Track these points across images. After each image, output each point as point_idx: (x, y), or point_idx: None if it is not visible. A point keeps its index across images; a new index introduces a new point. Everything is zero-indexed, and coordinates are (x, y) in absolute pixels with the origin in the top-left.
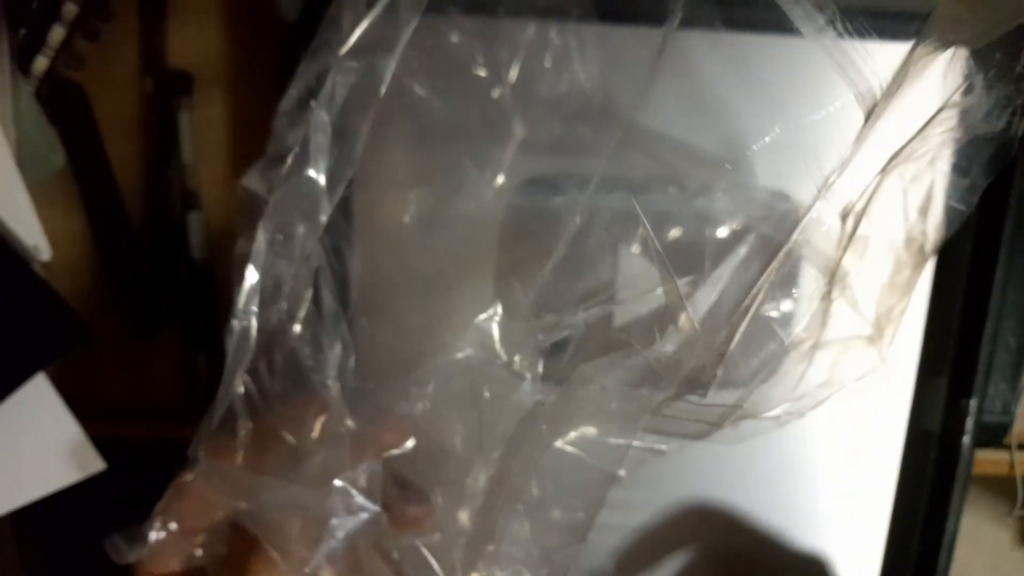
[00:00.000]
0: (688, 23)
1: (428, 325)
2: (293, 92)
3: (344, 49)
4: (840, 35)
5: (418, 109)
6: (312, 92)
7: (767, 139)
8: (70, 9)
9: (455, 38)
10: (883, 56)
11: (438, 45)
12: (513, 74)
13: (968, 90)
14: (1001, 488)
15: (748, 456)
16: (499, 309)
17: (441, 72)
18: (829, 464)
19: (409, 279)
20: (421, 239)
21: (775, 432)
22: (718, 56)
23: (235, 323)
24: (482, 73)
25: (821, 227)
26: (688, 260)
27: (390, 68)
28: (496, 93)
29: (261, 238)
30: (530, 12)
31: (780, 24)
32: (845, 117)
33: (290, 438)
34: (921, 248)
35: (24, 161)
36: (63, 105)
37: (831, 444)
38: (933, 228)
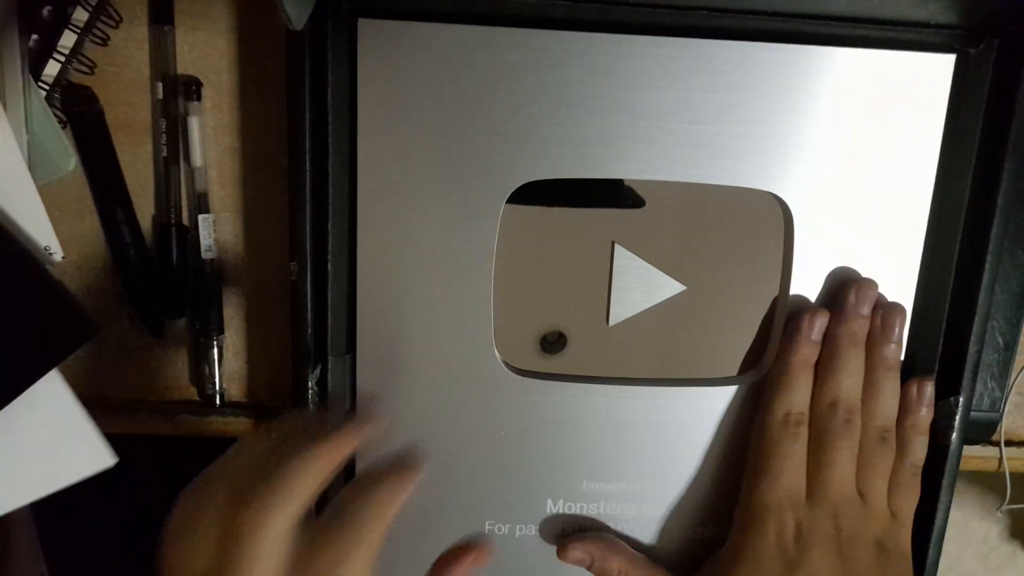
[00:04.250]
0: (679, 32)
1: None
2: None
3: None
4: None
5: (421, 118)
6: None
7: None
8: (80, 15)
9: (458, 46)
10: (868, 62)
11: (443, 53)
12: (513, 81)
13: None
14: (990, 483)
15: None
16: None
17: (444, 79)
18: None
19: (409, 286)
20: (422, 244)
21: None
22: (707, 63)
23: None
24: (483, 80)
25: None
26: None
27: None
28: (495, 100)
29: None
30: (527, 23)
31: (770, 33)
32: (833, 120)
33: None
34: None
35: (36, 164)
36: (74, 108)
37: None
38: None
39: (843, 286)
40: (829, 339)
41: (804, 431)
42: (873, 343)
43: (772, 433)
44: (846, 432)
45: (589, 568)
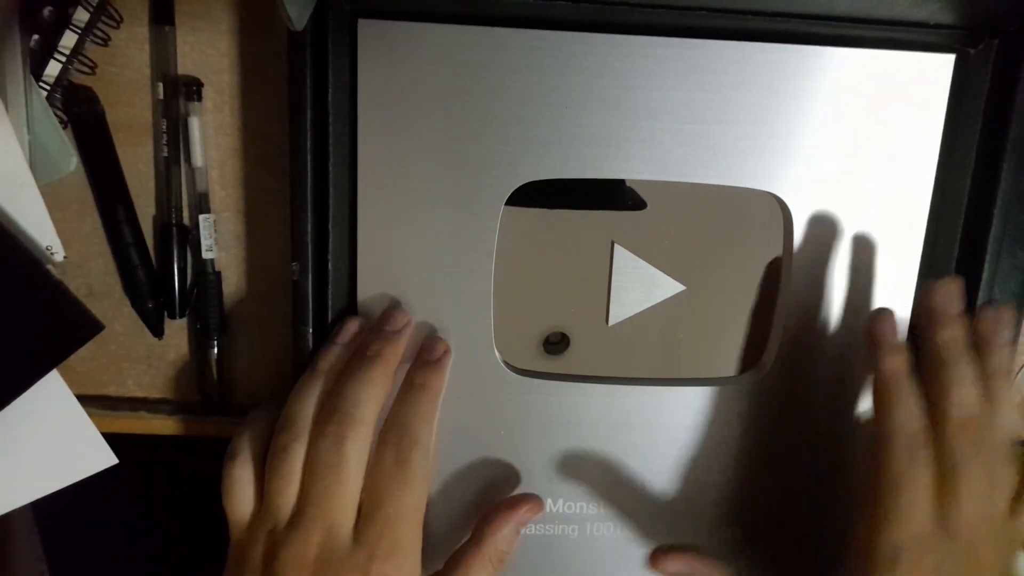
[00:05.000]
0: (679, 32)
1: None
2: None
3: None
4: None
5: (420, 117)
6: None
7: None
8: (81, 15)
9: (459, 47)
10: (868, 62)
11: (443, 54)
12: (513, 81)
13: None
14: None
15: (749, 460)
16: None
17: (444, 79)
18: (826, 463)
19: (410, 287)
20: (422, 245)
21: (772, 441)
22: (707, 64)
23: None
24: (483, 81)
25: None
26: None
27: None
28: (495, 101)
29: None
30: (527, 23)
31: (772, 33)
32: (833, 121)
33: None
34: None
35: (37, 164)
36: (75, 109)
37: (828, 444)
38: None
39: (922, 286)
40: (931, 350)
41: (931, 453)
42: (984, 347)
43: (895, 461)
44: (977, 454)
45: None
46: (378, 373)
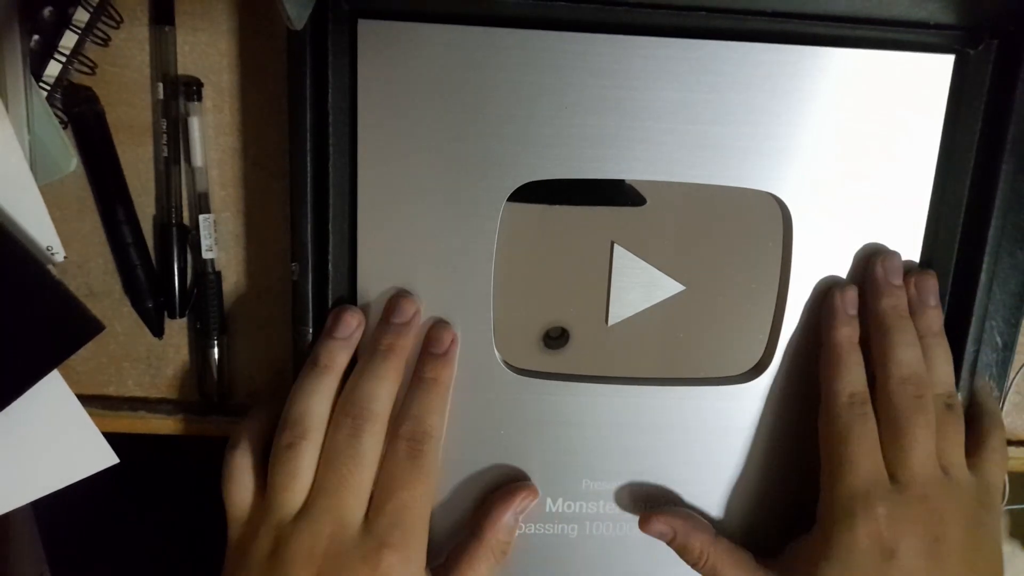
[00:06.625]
0: (678, 33)
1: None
2: None
3: None
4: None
5: (422, 117)
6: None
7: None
8: (81, 16)
9: (458, 47)
10: (867, 63)
11: (443, 54)
12: (512, 82)
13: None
14: None
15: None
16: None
17: (446, 80)
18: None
19: (410, 287)
20: (422, 245)
21: (773, 441)
22: (706, 64)
23: None
24: (484, 81)
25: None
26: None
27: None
28: (495, 101)
29: None
30: (527, 23)
31: (769, 34)
32: (833, 121)
33: None
34: None
35: (38, 164)
36: (75, 109)
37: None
38: None
39: (868, 262)
40: (873, 317)
41: (870, 410)
42: (913, 312)
43: (840, 418)
44: (920, 408)
45: (670, 543)
46: (392, 368)
